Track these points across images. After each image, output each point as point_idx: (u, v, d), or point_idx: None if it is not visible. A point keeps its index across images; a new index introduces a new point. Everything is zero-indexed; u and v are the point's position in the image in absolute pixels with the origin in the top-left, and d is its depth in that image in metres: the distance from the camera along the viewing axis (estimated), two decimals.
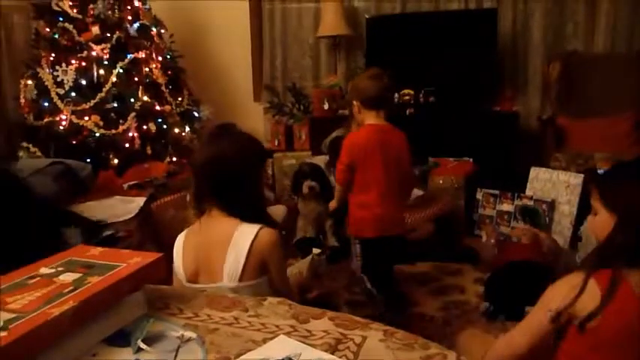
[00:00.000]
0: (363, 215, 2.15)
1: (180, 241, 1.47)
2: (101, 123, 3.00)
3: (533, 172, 3.19)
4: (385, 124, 2.15)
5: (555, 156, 3.22)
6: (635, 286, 1.05)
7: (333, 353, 0.90)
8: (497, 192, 3.14)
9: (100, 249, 1.16)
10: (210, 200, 1.43)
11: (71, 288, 0.95)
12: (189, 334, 0.97)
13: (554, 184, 2.93)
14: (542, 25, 3.70)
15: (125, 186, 2.82)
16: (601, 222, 1.16)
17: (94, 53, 3.06)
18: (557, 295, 1.10)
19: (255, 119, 4.28)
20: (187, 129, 3.45)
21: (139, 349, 0.92)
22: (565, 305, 1.07)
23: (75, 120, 2.96)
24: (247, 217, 1.41)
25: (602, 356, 1.07)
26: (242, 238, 1.36)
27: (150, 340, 0.95)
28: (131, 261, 1.07)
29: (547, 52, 3.69)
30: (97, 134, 2.97)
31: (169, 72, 3.45)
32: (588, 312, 1.05)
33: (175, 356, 0.90)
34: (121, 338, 0.97)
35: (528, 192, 3.11)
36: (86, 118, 2.98)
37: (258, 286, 1.38)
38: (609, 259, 1.10)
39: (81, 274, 1.01)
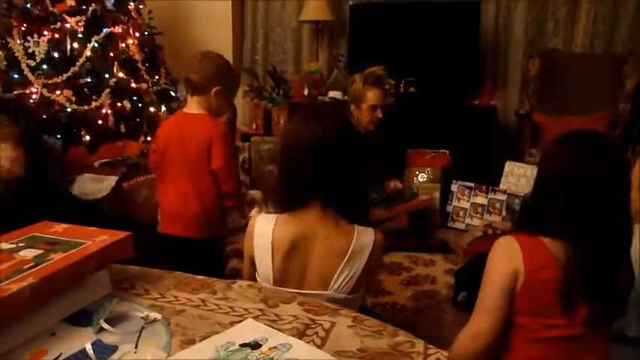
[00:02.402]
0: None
1: (266, 237, 1.24)
2: (73, 98, 2.90)
3: (509, 166, 3.23)
4: (198, 113, 1.84)
5: (530, 151, 3.27)
6: (554, 251, 1.09)
7: (301, 338, 0.89)
8: (472, 185, 3.17)
9: (64, 225, 1.12)
10: (312, 191, 1.22)
11: (32, 264, 0.91)
12: (154, 315, 0.94)
13: (529, 179, 2.97)
14: (523, 20, 3.73)
15: (96, 164, 2.75)
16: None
17: (68, 25, 2.95)
18: (493, 260, 1.14)
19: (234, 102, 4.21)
20: (163, 108, 3.37)
21: (101, 329, 0.90)
22: (503, 275, 1.11)
23: (46, 94, 2.86)
24: (353, 216, 1.24)
25: (526, 321, 1.11)
26: (361, 247, 1.21)
27: (113, 321, 0.92)
28: (97, 239, 1.04)
29: (528, 48, 3.73)
30: (69, 109, 2.88)
31: (146, 49, 3.36)
32: (516, 277, 1.09)
33: (139, 337, 0.88)
34: (83, 318, 0.94)
35: (502, 186, 3.16)
36: (58, 92, 2.88)
37: (361, 296, 1.27)
38: (526, 224, 1.18)
39: (43, 251, 0.97)
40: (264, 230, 1.25)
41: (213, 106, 1.84)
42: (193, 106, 1.85)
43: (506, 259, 1.12)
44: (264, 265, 1.24)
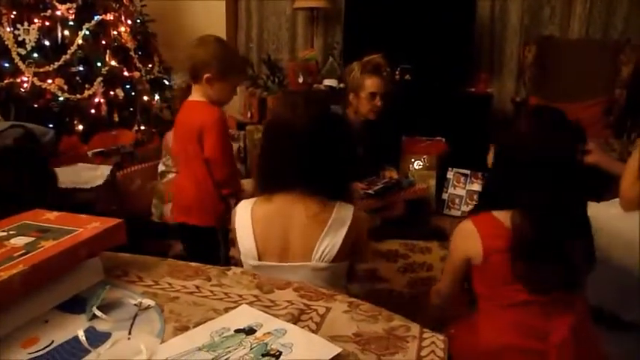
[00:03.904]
0: None
1: (245, 216, 1.28)
2: (65, 87, 2.87)
3: None
4: (198, 101, 1.82)
5: None
6: (505, 222, 1.23)
7: (295, 323, 0.88)
8: (467, 172, 3.16)
9: (56, 213, 1.11)
10: (291, 175, 1.25)
11: (23, 252, 0.90)
12: (147, 301, 0.93)
13: None
14: (519, 8, 3.70)
15: (90, 153, 2.73)
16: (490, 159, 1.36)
17: (58, 13, 2.91)
18: (454, 243, 1.35)
19: None
20: (157, 97, 3.35)
21: (94, 316, 0.89)
22: (463, 256, 1.30)
23: (37, 82, 2.82)
24: (334, 195, 1.27)
25: (494, 292, 1.27)
26: (340, 220, 1.24)
27: (106, 308, 0.91)
28: (89, 226, 1.02)
29: (524, 36, 3.71)
30: (61, 98, 2.84)
31: (139, 37, 3.32)
32: (476, 256, 1.26)
33: (132, 324, 0.87)
34: (75, 305, 0.93)
35: None
36: (49, 81, 2.84)
37: (345, 265, 1.30)
38: (487, 204, 1.29)
39: (34, 238, 0.96)
40: (244, 210, 1.29)
41: (210, 93, 1.79)
42: (195, 94, 1.84)
43: (462, 243, 1.31)
44: (247, 241, 1.26)
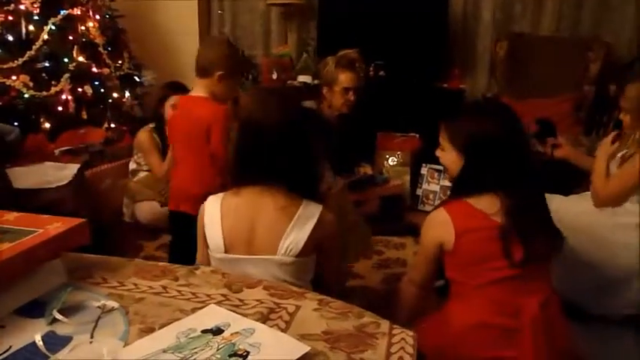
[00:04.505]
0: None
1: (214, 211, 1.28)
2: (31, 84, 2.77)
3: None
4: (201, 96, 1.90)
5: None
6: (484, 209, 1.29)
7: (265, 322, 0.87)
8: (441, 167, 3.18)
9: (16, 214, 1.07)
10: (261, 170, 1.25)
11: None
12: (111, 303, 0.91)
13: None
14: (492, 4, 3.73)
15: (57, 151, 2.65)
16: (449, 157, 1.40)
17: (22, 7, 2.81)
18: (426, 230, 1.38)
19: None
20: (127, 94, 3.27)
21: (54, 320, 0.86)
22: (435, 242, 1.34)
23: (1, 79, 2.72)
24: (304, 192, 1.27)
25: (467, 274, 1.30)
26: (306, 217, 1.24)
27: (67, 311, 0.88)
28: (50, 226, 0.99)
29: (496, 32, 3.74)
30: (26, 95, 2.75)
31: (108, 32, 3.24)
32: (448, 242, 1.30)
33: (94, 327, 0.84)
34: (35, 309, 0.90)
35: None
36: (14, 77, 2.74)
37: (312, 261, 1.30)
38: (460, 192, 1.35)
39: None
40: (213, 205, 1.29)
41: (216, 90, 1.89)
42: (197, 89, 1.92)
43: (434, 229, 1.35)
44: (215, 234, 1.26)
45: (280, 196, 1.25)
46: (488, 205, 1.29)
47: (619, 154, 1.97)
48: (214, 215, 1.27)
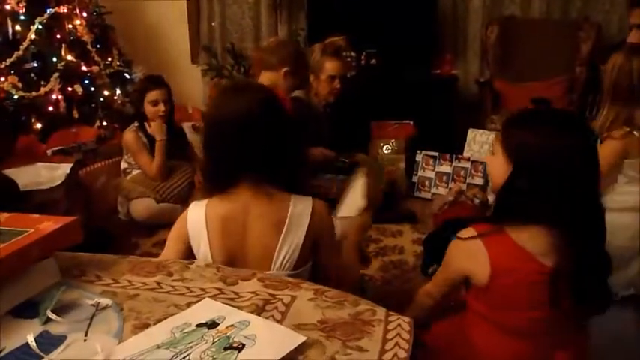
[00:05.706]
0: None
1: (198, 217, 1.19)
2: (20, 84, 2.76)
3: (471, 133, 3.25)
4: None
5: (491, 118, 3.29)
6: (530, 246, 1.08)
7: (260, 314, 0.87)
8: (436, 154, 3.18)
9: (6, 214, 1.06)
10: (241, 170, 1.17)
11: None
12: (105, 301, 0.90)
13: (491, 146, 2.99)
14: None
15: (49, 152, 2.63)
16: (497, 162, 1.16)
17: (7, 7, 2.78)
18: (455, 257, 1.21)
19: (192, 81, 4.09)
20: (118, 91, 3.25)
21: (48, 320, 0.85)
22: (462, 273, 1.18)
23: None
24: (289, 186, 1.20)
25: (498, 315, 1.14)
26: (298, 217, 1.16)
27: (61, 310, 0.88)
28: (41, 226, 0.98)
29: (486, 16, 3.72)
30: (16, 96, 2.73)
31: (96, 30, 3.21)
32: (480, 278, 1.12)
33: (89, 325, 0.84)
34: (28, 309, 0.89)
35: (466, 153, 3.18)
36: (2, 78, 2.72)
37: (306, 272, 1.22)
38: (502, 217, 1.13)
39: None
40: (197, 215, 1.20)
41: (280, 84, 2.15)
42: (263, 81, 2.13)
43: (465, 260, 1.17)
44: (202, 249, 1.18)
45: (266, 200, 1.17)
46: (534, 241, 1.08)
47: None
48: (199, 225, 1.18)
